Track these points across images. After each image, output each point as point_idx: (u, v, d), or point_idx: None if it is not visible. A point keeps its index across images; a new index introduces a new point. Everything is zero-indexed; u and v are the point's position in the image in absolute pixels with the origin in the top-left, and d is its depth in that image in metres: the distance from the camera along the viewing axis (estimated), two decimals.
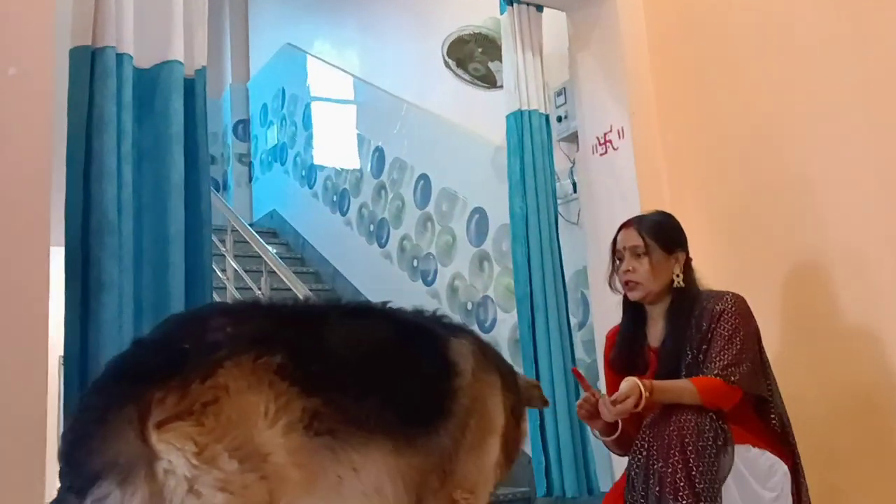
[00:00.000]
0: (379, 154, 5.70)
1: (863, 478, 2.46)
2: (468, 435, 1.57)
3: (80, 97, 2.33)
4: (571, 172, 3.82)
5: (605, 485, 3.23)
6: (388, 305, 1.65)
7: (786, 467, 2.03)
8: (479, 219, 4.61)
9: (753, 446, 1.97)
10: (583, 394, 2.08)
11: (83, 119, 2.32)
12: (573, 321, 3.62)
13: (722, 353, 2.00)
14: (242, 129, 8.15)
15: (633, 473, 1.94)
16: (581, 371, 2.18)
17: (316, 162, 6.74)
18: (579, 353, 3.57)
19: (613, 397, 1.93)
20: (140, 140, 2.47)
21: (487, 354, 1.67)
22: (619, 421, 2.03)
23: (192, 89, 2.55)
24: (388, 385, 1.48)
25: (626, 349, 2.20)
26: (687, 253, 2.20)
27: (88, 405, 1.23)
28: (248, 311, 1.50)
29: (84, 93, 2.33)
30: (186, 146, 2.50)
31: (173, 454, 1.18)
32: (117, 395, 1.21)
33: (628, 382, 1.93)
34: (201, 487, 1.18)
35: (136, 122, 2.46)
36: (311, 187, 6.75)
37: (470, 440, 1.57)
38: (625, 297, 2.24)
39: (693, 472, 1.80)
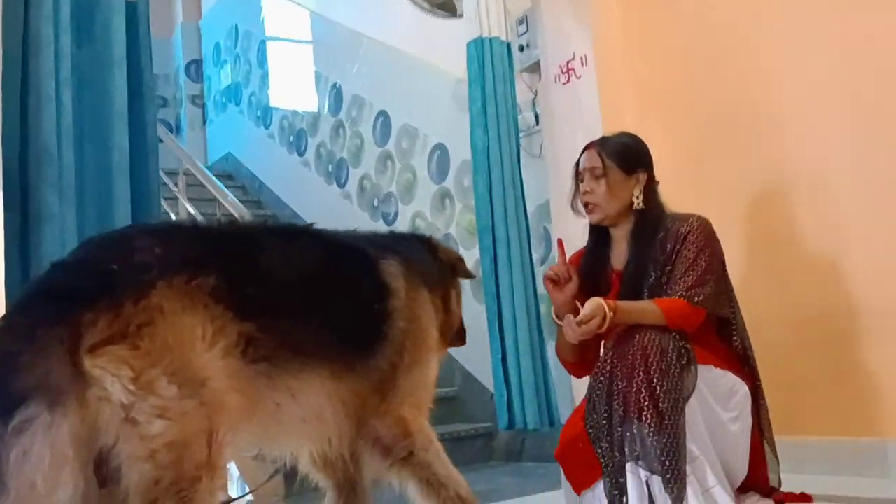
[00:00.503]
0: (336, 91, 5.55)
1: (822, 401, 2.49)
2: (406, 356, 1.57)
3: (14, 18, 2.18)
4: (534, 104, 3.75)
5: (566, 417, 3.23)
6: (314, 226, 1.62)
7: (746, 388, 2.04)
8: (441, 155, 4.53)
9: (715, 367, 1.96)
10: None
11: (18, 42, 2.19)
12: (535, 256, 3.59)
13: (686, 274, 1.98)
14: (195, 69, 7.89)
15: (594, 395, 1.92)
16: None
17: (272, 102, 6.56)
18: (541, 287, 3.54)
19: (578, 318, 1.91)
20: (80, 64, 2.33)
21: (414, 271, 1.66)
22: (577, 303, 1.99)
23: (135, 11, 2.42)
24: (323, 308, 1.46)
25: (590, 271, 2.17)
26: (650, 174, 2.16)
27: (12, 323, 1.15)
28: (174, 231, 1.44)
29: (19, 13, 2.19)
30: (129, 71, 2.37)
31: (108, 380, 1.12)
32: (45, 313, 1.13)
33: (592, 303, 1.90)
34: (137, 415, 1.13)
35: (76, 45, 2.32)
36: (267, 128, 6.58)
37: (408, 361, 1.58)
38: None
39: (657, 392, 1.79)
